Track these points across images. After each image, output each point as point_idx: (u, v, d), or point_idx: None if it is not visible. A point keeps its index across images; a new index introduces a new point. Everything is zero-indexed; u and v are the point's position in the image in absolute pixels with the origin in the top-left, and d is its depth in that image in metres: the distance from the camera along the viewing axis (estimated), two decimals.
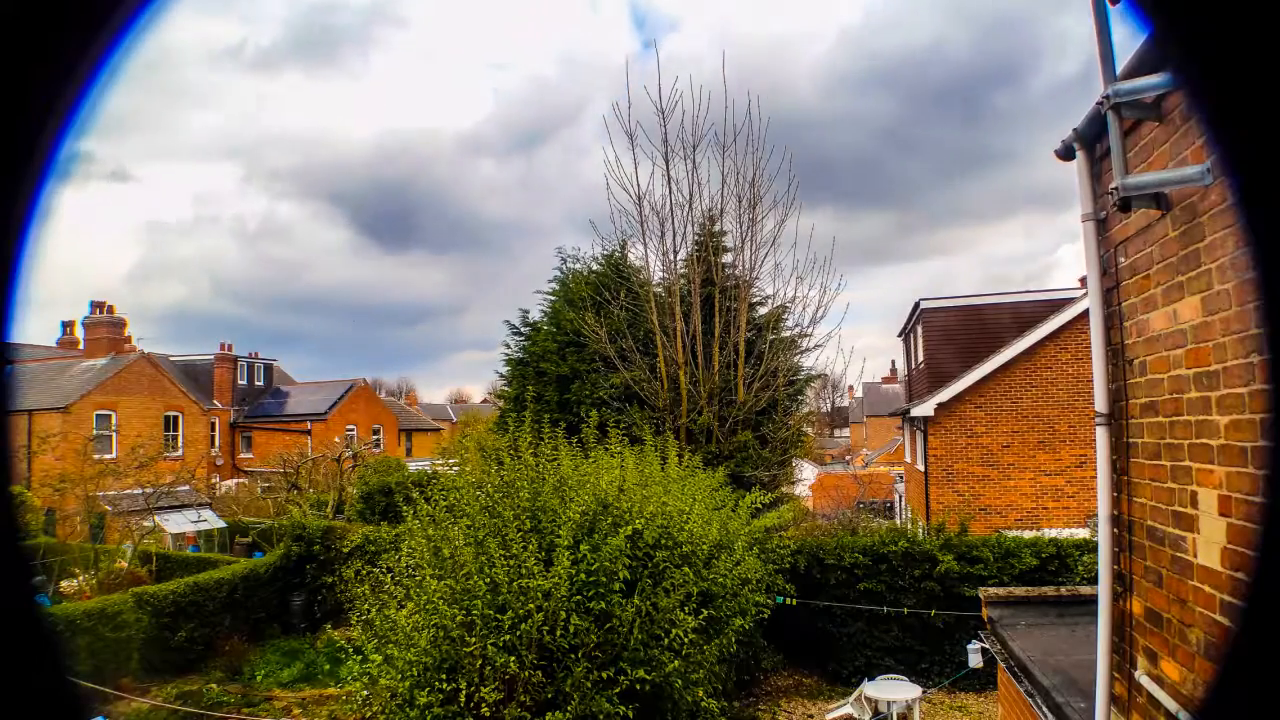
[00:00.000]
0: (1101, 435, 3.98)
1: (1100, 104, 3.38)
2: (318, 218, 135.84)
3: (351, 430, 38.68)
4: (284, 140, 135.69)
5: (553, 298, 17.08)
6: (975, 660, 9.19)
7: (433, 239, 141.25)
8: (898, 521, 19.03)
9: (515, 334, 17.40)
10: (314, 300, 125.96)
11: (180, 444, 31.14)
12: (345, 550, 13.44)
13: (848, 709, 9.98)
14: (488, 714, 5.60)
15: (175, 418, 31.35)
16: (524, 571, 5.90)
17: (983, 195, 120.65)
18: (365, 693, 6.16)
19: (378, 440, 40.58)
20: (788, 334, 15.62)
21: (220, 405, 38.39)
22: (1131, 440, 3.71)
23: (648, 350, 14.85)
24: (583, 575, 6.09)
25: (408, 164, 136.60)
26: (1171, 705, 3.16)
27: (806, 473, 29.52)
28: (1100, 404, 4.00)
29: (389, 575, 6.64)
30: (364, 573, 6.94)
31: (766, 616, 9.52)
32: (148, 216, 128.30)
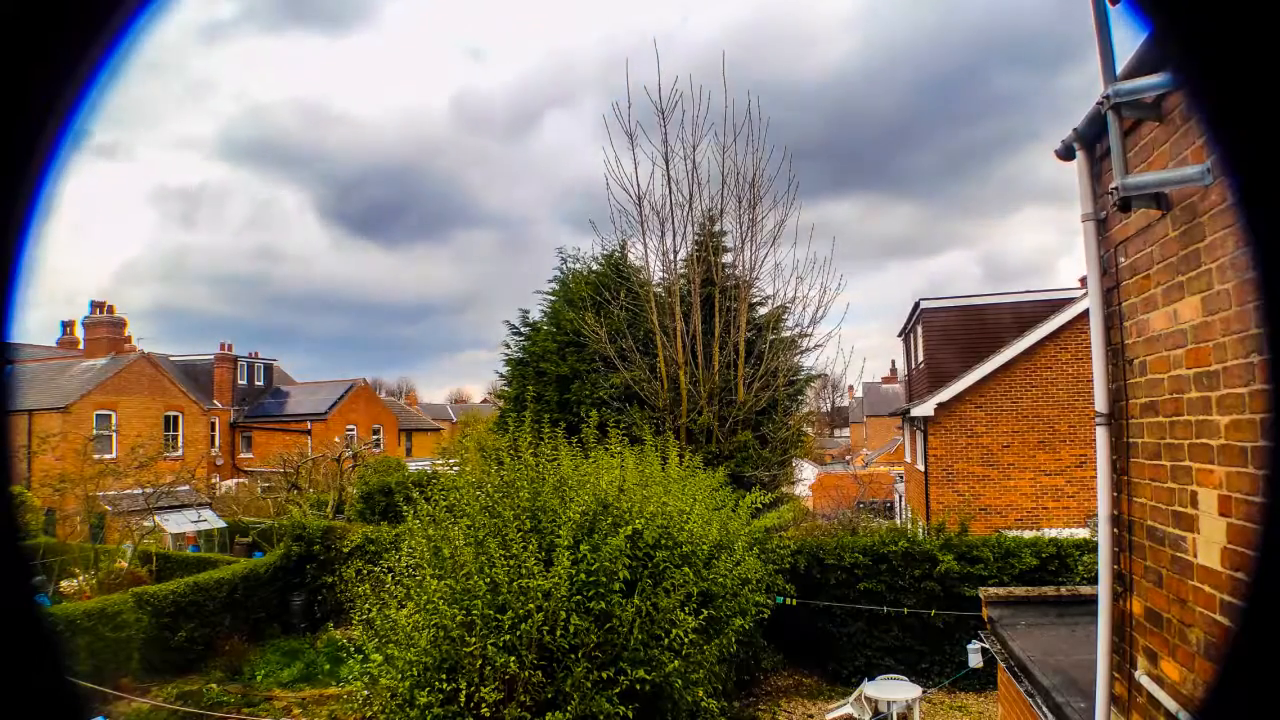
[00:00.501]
0: (1101, 435, 3.97)
1: (1100, 104, 3.38)
2: (318, 215, 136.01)
3: (351, 430, 38.68)
4: (280, 128, 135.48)
5: (553, 298, 17.08)
6: (975, 660, 9.19)
7: (433, 236, 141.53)
8: (898, 521, 19.03)
9: (515, 334, 17.42)
10: (314, 299, 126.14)
11: (180, 444, 31.13)
12: (345, 550, 13.44)
13: (848, 709, 9.98)
14: (488, 714, 5.60)
15: (175, 418, 31.35)
16: (524, 571, 5.90)
17: (1003, 185, 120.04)
18: (365, 693, 6.16)
19: (378, 440, 40.58)
20: (788, 334, 15.62)
21: (220, 405, 38.39)
22: (1131, 440, 3.71)
23: (648, 350, 14.85)
24: (583, 575, 6.09)
25: (410, 156, 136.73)
26: (1171, 705, 3.16)
27: (806, 473, 29.53)
28: (1100, 404, 4.00)
29: (389, 575, 6.64)
30: (364, 573, 6.94)
31: (766, 616, 9.51)
32: (140, 209, 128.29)
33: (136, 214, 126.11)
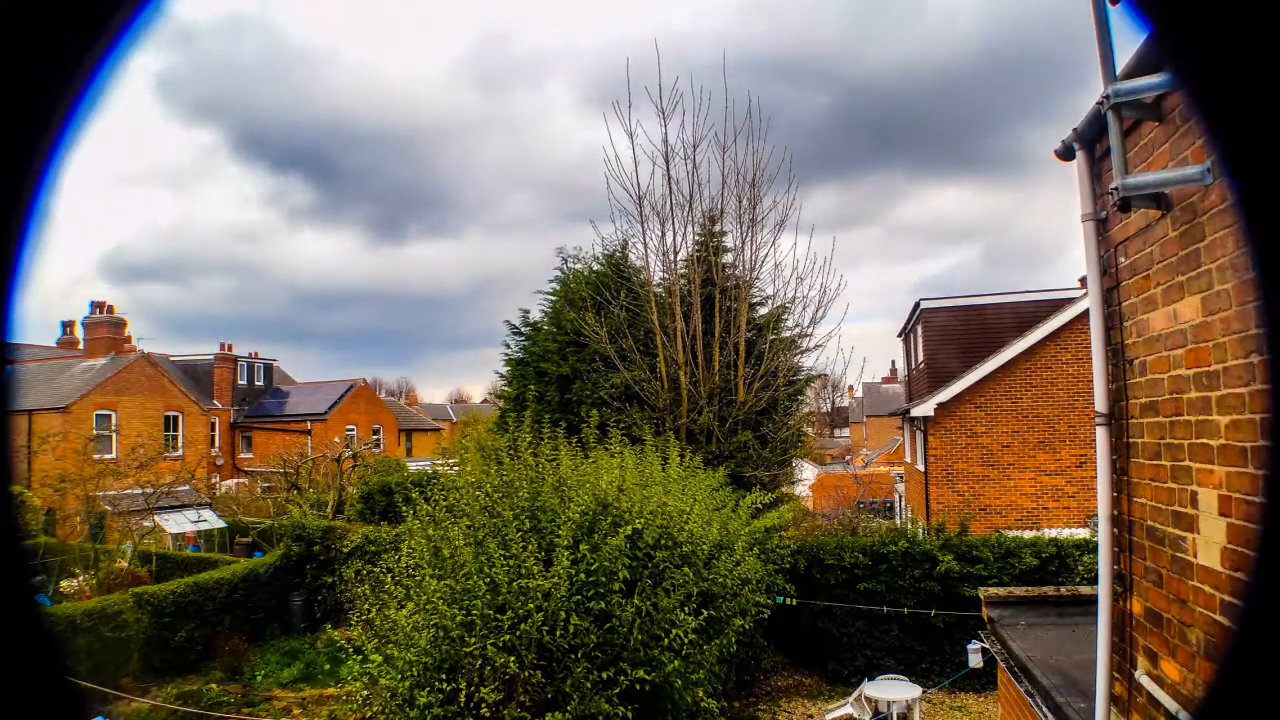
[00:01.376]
0: (1101, 435, 3.97)
1: (1100, 104, 3.38)
2: (316, 211, 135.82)
3: (351, 430, 38.68)
4: (275, 117, 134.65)
5: (553, 298, 17.07)
6: (975, 660, 9.18)
7: (433, 234, 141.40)
8: (898, 521, 19.03)
9: (515, 334, 17.40)
10: (313, 297, 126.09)
11: (180, 444, 31.13)
12: (345, 550, 13.44)
13: (848, 709, 9.98)
14: (487, 714, 5.60)
15: (175, 418, 31.34)
16: (523, 571, 5.90)
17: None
18: (365, 693, 6.16)
19: (378, 440, 40.58)
20: (788, 334, 15.61)
21: (220, 405, 38.40)
22: (1131, 440, 3.71)
23: (648, 350, 14.84)
24: (582, 575, 6.09)
25: (410, 149, 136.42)
26: (1171, 705, 3.16)
27: (806, 473, 29.54)
28: (1100, 404, 4.00)
29: (389, 575, 6.64)
30: (364, 573, 6.95)
31: (767, 616, 9.51)
32: (137, 203, 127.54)
33: (122, 199, 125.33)
